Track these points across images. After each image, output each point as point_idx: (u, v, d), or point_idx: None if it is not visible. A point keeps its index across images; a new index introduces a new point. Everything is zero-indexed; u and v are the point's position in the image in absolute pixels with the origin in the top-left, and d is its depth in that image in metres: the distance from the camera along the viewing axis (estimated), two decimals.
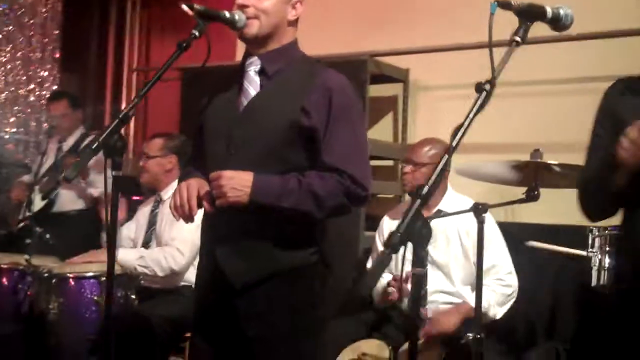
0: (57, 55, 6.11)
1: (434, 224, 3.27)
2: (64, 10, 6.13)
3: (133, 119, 6.32)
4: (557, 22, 1.66)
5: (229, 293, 2.12)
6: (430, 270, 3.24)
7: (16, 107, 5.89)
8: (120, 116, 1.79)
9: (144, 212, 3.82)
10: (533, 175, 2.37)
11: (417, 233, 1.36)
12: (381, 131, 4.46)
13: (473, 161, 3.07)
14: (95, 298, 3.25)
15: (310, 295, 2.16)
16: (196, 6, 1.94)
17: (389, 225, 3.50)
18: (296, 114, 2.08)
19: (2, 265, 3.49)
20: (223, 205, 2.01)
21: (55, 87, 5.91)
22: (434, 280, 3.22)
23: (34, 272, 3.38)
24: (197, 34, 1.94)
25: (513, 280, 3.18)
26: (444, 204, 3.26)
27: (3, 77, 5.88)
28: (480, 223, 2.53)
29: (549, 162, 2.36)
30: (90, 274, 3.30)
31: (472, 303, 2.99)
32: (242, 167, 2.07)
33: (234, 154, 2.12)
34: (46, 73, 6.09)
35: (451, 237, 3.24)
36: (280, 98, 2.12)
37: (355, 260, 3.92)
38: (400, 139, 4.40)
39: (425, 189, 1.46)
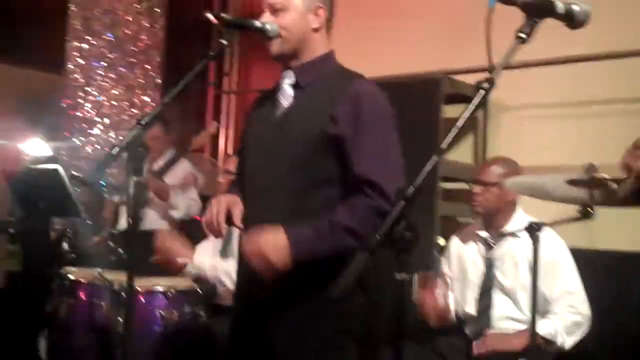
0: (159, 81, 6.37)
1: (501, 247, 3.14)
2: (166, 38, 6.39)
3: (224, 141, 6.57)
4: (571, 20, 1.54)
5: (262, 310, 2.12)
6: (498, 296, 3.11)
7: (119, 132, 6.16)
8: (142, 122, 1.81)
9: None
10: (587, 192, 2.21)
11: (398, 236, 1.28)
12: (460, 153, 4.33)
13: None
14: (162, 313, 3.30)
15: (341, 321, 2.10)
16: (224, 15, 1.95)
17: (457, 247, 3.37)
18: (325, 123, 2.05)
19: (81, 280, 3.61)
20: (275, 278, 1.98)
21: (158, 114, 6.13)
22: (502, 307, 3.09)
23: (107, 286, 3.47)
24: (225, 43, 1.95)
25: (585, 309, 2.98)
26: (512, 226, 3.12)
27: (107, 103, 6.17)
28: (535, 243, 2.39)
29: (604, 176, 2.19)
30: (159, 288, 3.36)
31: (541, 331, 2.85)
32: (273, 176, 2.08)
33: (266, 165, 2.12)
34: (148, 98, 6.34)
35: (520, 262, 3.08)
36: (311, 108, 2.11)
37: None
38: (480, 161, 4.26)
39: (410, 190, 1.36)
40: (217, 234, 2.12)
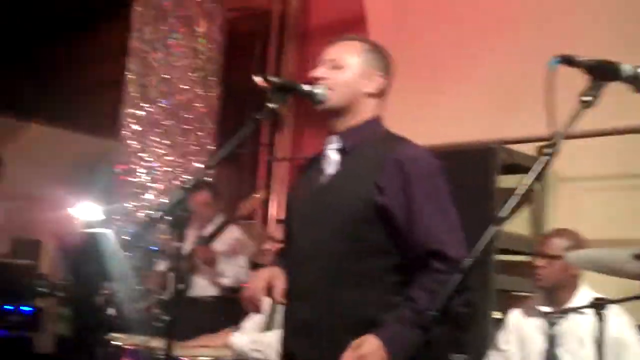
0: (212, 148, 6.41)
1: (565, 324, 2.98)
2: (220, 105, 6.46)
3: (276, 209, 6.53)
4: (638, 84, 1.46)
5: None
6: None
7: None
8: (185, 186, 1.76)
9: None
10: None
11: (454, 313, 1.27)
12: (515, 224, 4.18)
13: None
14: None
15: None
16: (272, 78, 1.91)
17: (516, 322, 3.21)
18: (370, 192, 1.98)
19: (126, 346, 3.56)
20: None
21: (209, 178, 6.17)
22: None
23: (152, 354, 3.41)
24: (272, 107, 1.90)
25: None
26: (575, 302, 2.96)
27: (161, 169, 6.23)
28: (600, 321, 2.24)
29: None
30: (204, 358, 3.28)
31: None
32: (317, 246, 2.02)
33: (309, 233, 2.06)
34: (201, 165, 6.38)
35: (585, 340, 2.90)
36: (355, 175, 2.04)
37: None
38: (537, 233, 4.09)
39: (467, 262, 1.25)
40: (256, 310, 2.05)
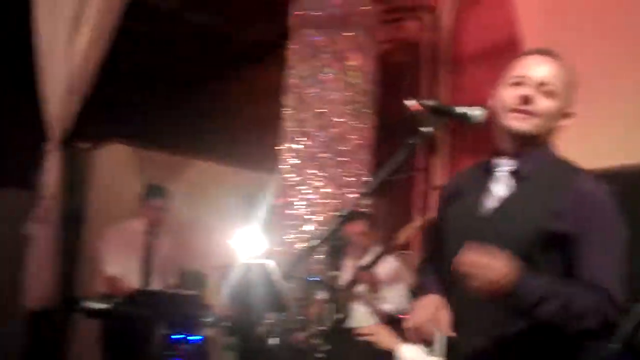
0: (368, 178, 6.44)
1: None
2: (374, 136, 6.49)
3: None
4: None
5: None
6: None
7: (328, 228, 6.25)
8: (344, 214, 1.76)
9: None
10: None
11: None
12: None
13: None
14: None
15: None
16: (426, 102, 1.88)
17: None
18: (546, 220, 1.92)
19: None
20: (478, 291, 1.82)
21: (365, 208, 6.19)
22: None
23: None
24: (428, 131, 1.87)
25: None
26: None
27: (319, 200, 6.33)
28: None
29: None
30: None
31: None
32: None
33: None
34: (356, 196, 6.41)
35: None
36: (530, 202, 1.97)
37: None
38: None
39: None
40: (421, 341, 1.99)
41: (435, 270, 2.16)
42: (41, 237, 5.79)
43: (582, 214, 1.90)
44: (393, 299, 4.60)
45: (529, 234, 1.91)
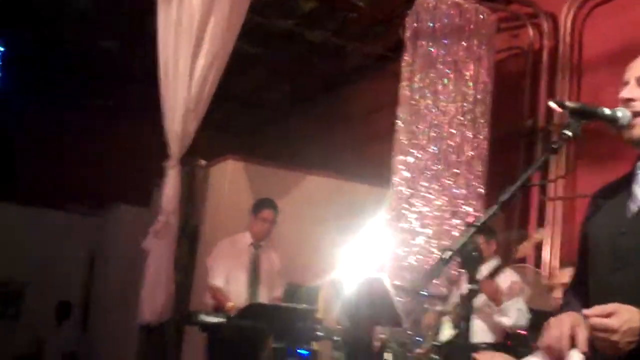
0: (482, 191, 6.24)
1: None
2: (490, 149, 6.29)
3: (550, 250, 6.14)
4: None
5: None
6: None
7: (441, 242, 6.09)
8: (477, 224, 1.64)
9: None
10: None
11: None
12: None
13: None
14: None
15: None
16: (569, 103, 1.73)
17: None
18: None
19: None
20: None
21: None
22: None
23: None
24: (569, 134, 1.73)
25: None
26: None
27: (430, 213, 6.18)
28: None
29: None
30: None
31: None
32: (629, 285, 1.77)
33: (620, 268, 1.81)
34: (471, 208, 6.22)
35: None
36: None
37: None
38: None
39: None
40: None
41: (583, 291, 1.99)
42: (158, 251, 5.93)
43: None
44: (512, 313, 4.39)
45: None
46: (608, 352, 1.66)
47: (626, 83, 1.86)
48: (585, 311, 1.69)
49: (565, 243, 5.99)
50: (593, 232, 1.97)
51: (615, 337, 1.64)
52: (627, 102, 1.83)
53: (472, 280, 1.64)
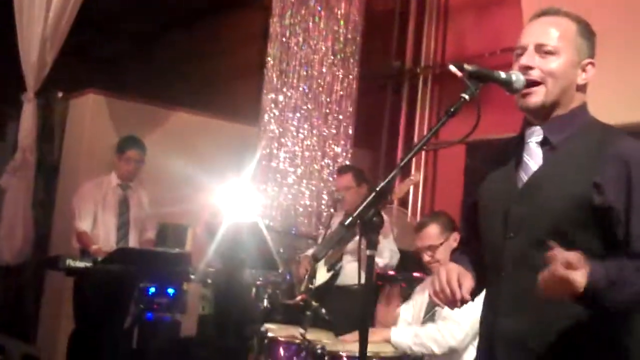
0: (351, 132, 6.31)
1: None
2: (359, 89, 6.34)
3: (420, 193, 6.37)
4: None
5: None
6: None
7: (311, 182, 6.14)
8: (376, 190, 1.63)
9: (421, 293, 3.65)
10: None
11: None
12: None
13: None
14: None
15: None
16: (467, 66, 1.74)
17: None
18: (586, 191, 1.77)
19: (280, 338, 3.53)
20: (558, 299, 1.68)
21: (347, 163, 6.06)
22: None
23: (309, 346, 3.36)
24: (466, 97, 1.74)
25: None
26: None
27: (300, 153, 6.19)
28: None
29: None
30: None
31: None
32: (522, 250, 1.83)
33: (512, 236, 1.86)
34: (339, 149, 6.29)
35: None
36: (567, 172, 1.82)
37: None
38: None
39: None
40: (454, 304, 1.88)
41: (473, 250, 2.05)
42: (15, 189, 5.63)
43: (626, 183, 1.76)
44: (385, 253, 4.49)
45: (569, 209, 1.78)
46: (559, 291, 1.65)
47: (523, 48, 1.88)
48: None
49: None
50: (485, 199, 2.01)
51: (576, 276, 1.63)
52: (526, 69, 1.85)
53: (372, 245, 1.63)
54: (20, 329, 6.60)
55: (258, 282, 4.50)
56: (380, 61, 6.88)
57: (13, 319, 6.87)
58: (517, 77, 1.82)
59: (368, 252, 1.64)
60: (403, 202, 6.30)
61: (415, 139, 6.57)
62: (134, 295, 4.97)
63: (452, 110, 1.72)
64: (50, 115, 6.72)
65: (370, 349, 3.17)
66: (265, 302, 4.17)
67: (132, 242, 5.17)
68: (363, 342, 1.71)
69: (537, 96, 1.85)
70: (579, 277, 1.59)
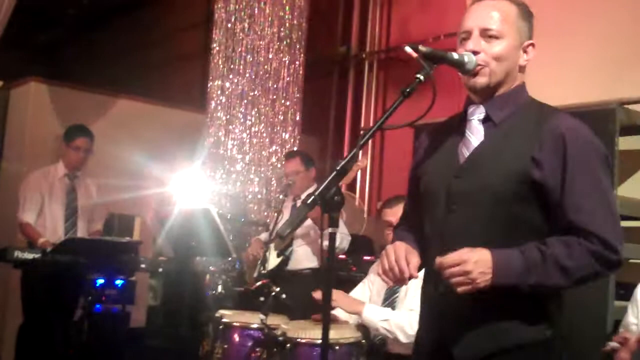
0: (298, 118, 6.33)
1: None
2: (305, 75, 6.36)
3: (368, 178, 6.44)
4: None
5: None
6: None
7: (260, 168, 6.15)
8: (337, 169, 1.66)
9: (377, 275, 3.69)
10: None
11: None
12: (633, 188, 3.96)
13: None
14: None
15: None
16: (421, 47, 1.78)
17: None
18: (526, 165, 1.83)
19: (235, 323, 3.51)
20: (469, 292, 1.78)
21: (295, 149, 6.08)
22: None
23: (267, 332, 3.34)
24: (421, 78, 1.78)
25: None
26: None
27: (248, 140, 6.19)
28: None
29: None
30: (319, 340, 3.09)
31: None
32: (464, 225, 1.88)
33: (454, 210, 1.91)
34: (287, 135, 6.31)
35: None
36: (506, 148, 1.89)
37: (604, 334, 3.45)
38: None
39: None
40: (402, 282, 1.93)
41: (413, 227, 2.10)
42: None
43: (562, 157, 1.83)
44: (337, 236, 4.50)
45: (509, 184, 1.84)
46: (465, 288, 1.77)
47: (468, 32, 1.93)
48: (439, 259, 1.78)
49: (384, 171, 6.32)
50: (426, 175, 2.05)
51: (468, 267, 1.75)
52: (473, 54, 1.91)
53: (334, 223, 1.66)
54: None
55: (211, 269, 4.49)
56: (326, 47, 6.91)
57: None
58: (469, 58, 1.88)
59: (330, 230, 1.67)
60: (351, 187, 6.37)
61: (362, 124, 6.64)
62: (83, 287, 4.91)
63: (407, 90, 1.76)
64: None
65: (331, 335, 3.18)
66: (220, 289, 4.15)
67: (81, 232, 5.09)
68: (326, 325, 1.73)
69: (483, 77, 1.91)
70: (477, 278, 1.76)
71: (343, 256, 4.93)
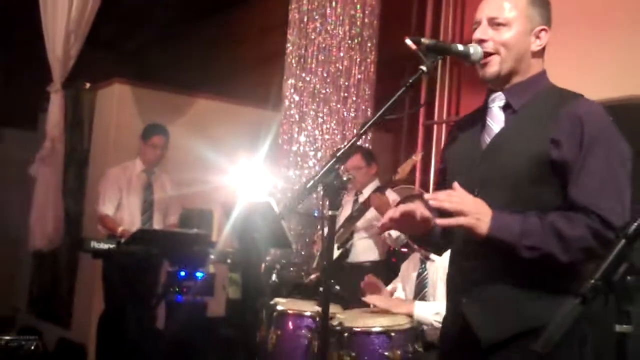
0: (369, 114, 6.39)
1: None
2: (378, 72, 6.42)
3: (432, 171, 6.42)
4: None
5: (476, 350, 1.95)
6: None
7: None
8: (337, 155, 1.75)
9: (406, 273, 3.77)
10: None
11: (619, 281, 1.27)
12: None
13: None
14: (386, 353, 3.14)
15: (569, 357, 1.89)
16: (424, 40, 1.85)
17: None
18: (545, 147, 1.90)
19: (289, 311, 3.58)
20: (454, 225, 1.86)
21: (367, 145, 6.15)
22: None
23: (318, 319, 3.42)
24: (425, 69, 1.85)
25: None
26: None
27: (320, 137, 6.31)
28: None
29: None
30: (378, 328, 3.21)
31: None
32: None
33: (477, 195, 1.97)
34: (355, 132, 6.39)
35: None
36: (526, 132, 1.95)
37: None
38: None
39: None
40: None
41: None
42: (45, 178, 5.82)
43: (579, 138, 1.87)
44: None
45: (528, 167, 1.90)
46: (461, 220, 1.84)
47: (478, 22, 1.99)
48: (427, 195, 1.87)
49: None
50: (451, 163, 2.14)
51: (467, 201, 1.85)
52: (480, 42, 1.97)
53: (334, 206, 1.76)
54: (55, 314, 6.87)
55: (267, 258, 4.63)
56: (398, 44, 6.93)
57: (49, 304, 7.15)
58: (474, 49, 1.93)
59: (330, 213, 1.76)
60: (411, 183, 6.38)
61: (436, 119, 6.62)
62: (160, 276, 5.16)
63: (410, 82, 1.83)
64: (79, 106, 6.95)
65: (387, 322, 3.24)
66: (274, 277, 4.28)
67: (157, 225, 5.35)
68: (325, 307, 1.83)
69: (493, 66, 1.97)
70: (471, 214, 1.82)
71: (405, 249, 4.98)
